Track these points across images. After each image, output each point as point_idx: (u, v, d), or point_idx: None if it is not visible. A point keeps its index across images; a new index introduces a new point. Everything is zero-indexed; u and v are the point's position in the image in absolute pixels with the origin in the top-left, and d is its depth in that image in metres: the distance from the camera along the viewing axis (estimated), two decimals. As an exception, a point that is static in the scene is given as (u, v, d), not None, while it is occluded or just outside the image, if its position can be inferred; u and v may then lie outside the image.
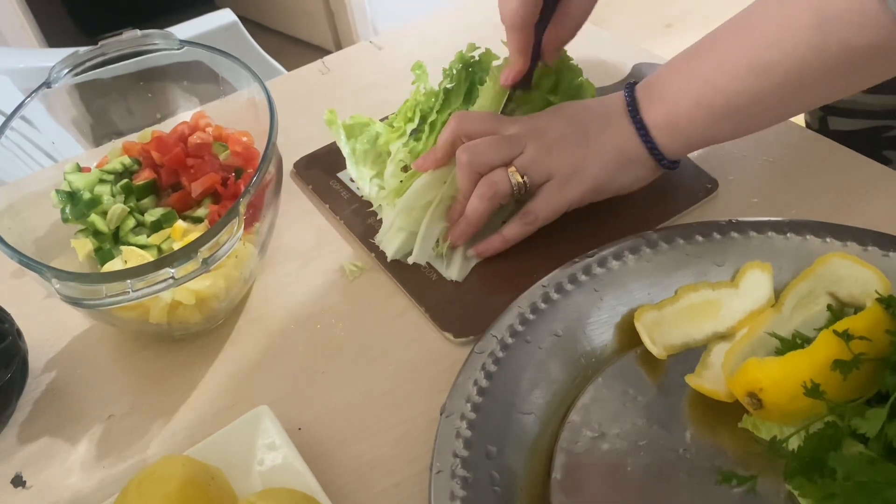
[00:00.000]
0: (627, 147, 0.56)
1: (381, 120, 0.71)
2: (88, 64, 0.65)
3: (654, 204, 0.62)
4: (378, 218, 0.64)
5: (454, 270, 0.58)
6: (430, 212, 0.59)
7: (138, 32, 0.65)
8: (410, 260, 0.60)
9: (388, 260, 0.60)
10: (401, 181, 0.63)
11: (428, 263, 0.60)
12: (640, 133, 0.55)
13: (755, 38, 0.49)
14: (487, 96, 0.62)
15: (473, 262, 0.59)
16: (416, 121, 0.67)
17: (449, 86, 0.67)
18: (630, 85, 0.57)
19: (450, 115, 0.64)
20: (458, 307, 0.56)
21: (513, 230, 0.58)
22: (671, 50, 0.58)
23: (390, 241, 0.60)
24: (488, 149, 0.56)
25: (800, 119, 0.84)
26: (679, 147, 0.56)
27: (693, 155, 0.66)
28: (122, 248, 0.58)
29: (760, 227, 0.54)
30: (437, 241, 0.60)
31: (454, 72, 0.67)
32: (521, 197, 0.58)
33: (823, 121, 0.81)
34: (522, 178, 0.55)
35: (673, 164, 0.58)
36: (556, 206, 0.57)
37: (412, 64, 0.71)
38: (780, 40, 0.48)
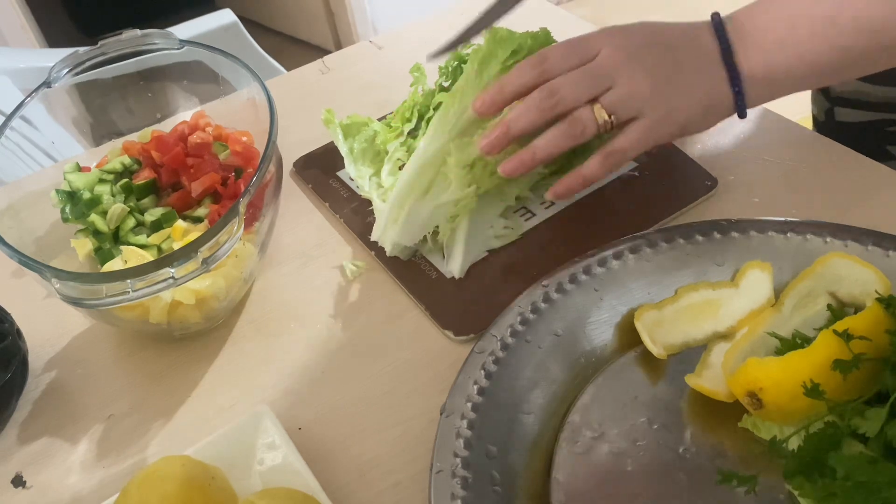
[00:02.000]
0: (717, 92, 0.53)
1: (380, 119, 0.71)
2: (88, 64, 0.65)
3: (654, 201, 0.62)
4: (373, 208, 0.64)
5: (455, 266, 0.58)
6: (420, 195, 0.58)
7: (138, 32, 0.65)
8: (395, 240, 0.59)
9: (388, 255, 0.60)
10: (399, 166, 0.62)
11: (427, 261, 0.60)
12: (732, 83, 0.52)
13: None
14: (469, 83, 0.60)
15: (474, 258, 0.59)
16: (414, 121, 0.67)
17: (445, 83, 0.67)
18: (717, 19, 0.53)
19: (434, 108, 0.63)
20: (457, 305, 0.56)
21: (594, 168, 0.53)
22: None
23: (386, 236, 0.60)
24: (574, 88, 0.51)
25: (803, 114, 0.83)
26: (763, 97, 0.54)
27: (693, 153, 0.66)
28: (122, 247, 0.58)
29: (761, 227, 0.54)
30: (436, 233, 0.59)
31: (450, 69, 0.67)
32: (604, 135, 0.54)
33: (830, 112, 0.81)
34: (610, 116, 0.51)
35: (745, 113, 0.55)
36: (644, 146, 0.53)
37: (412, 64, 0.71)
38: None
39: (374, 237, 0.60)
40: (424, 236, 0.60)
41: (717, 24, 0.53)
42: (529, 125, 0.52)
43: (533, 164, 0.53)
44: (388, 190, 0.62)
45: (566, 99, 0.51)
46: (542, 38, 0.61)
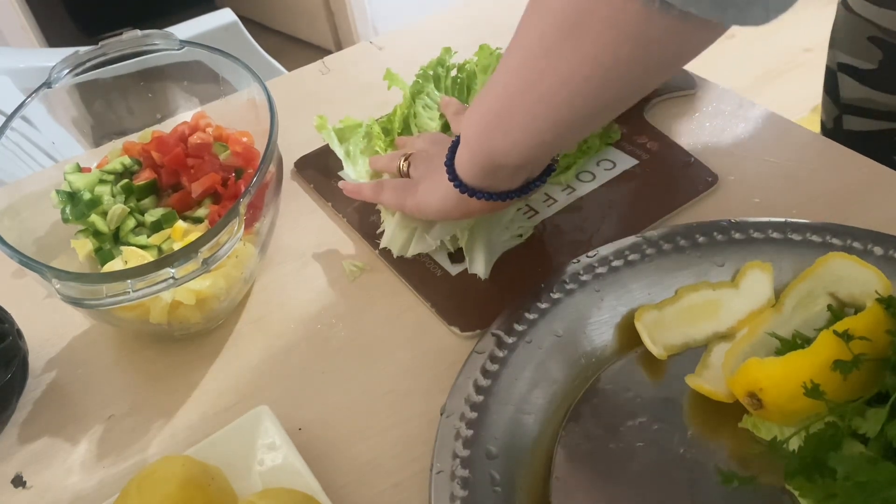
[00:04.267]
0: (443, 178, 0.53)
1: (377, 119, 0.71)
2: (88, 64, 0.65)
3: (656, 197, 0.62)
4: (380, 214, 0.64)
5: (479, 268, 0.58)
6: None
7: (138, 32, 0.65)
8: (409, 253, 0.59)
9: (395, 257, 0.60)
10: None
11: (432, 258, 0.60)
12: (450, 175, 0.52)
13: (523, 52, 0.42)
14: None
15: (496, 257, 0.59)
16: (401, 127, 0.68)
17: (429, 87, 0.68)
18: None
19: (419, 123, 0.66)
20: (463, 301, 0.57)
21: (366, 189, 0.60)
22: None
23: (395, 239, 0.60)
24: (404, 149, 0.62)
25: (802, 114, 0.84)
26: (484, 181, 0.51)
27: (693, 151, 0.66)
28: (123, 248, 0.58)
29: (761, 227, 0.54)
30: (455, 235, 0.59)
31: (429, 74, 0.68)
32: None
33: (839, 119, 0.81)
34: (406, 165, 0.59)
35: (495, 195, 0.51)
36: (393, 201, 0.58)
37: (412, 64, 0.71)
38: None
39: (383, 244, 0.60)
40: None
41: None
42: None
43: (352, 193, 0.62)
44: None
45: (402, 153, 0.60)
46: None
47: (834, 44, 0.81)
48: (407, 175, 0.58)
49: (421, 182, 0.56)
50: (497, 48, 0.69)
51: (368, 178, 0.66)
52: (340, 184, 0.62)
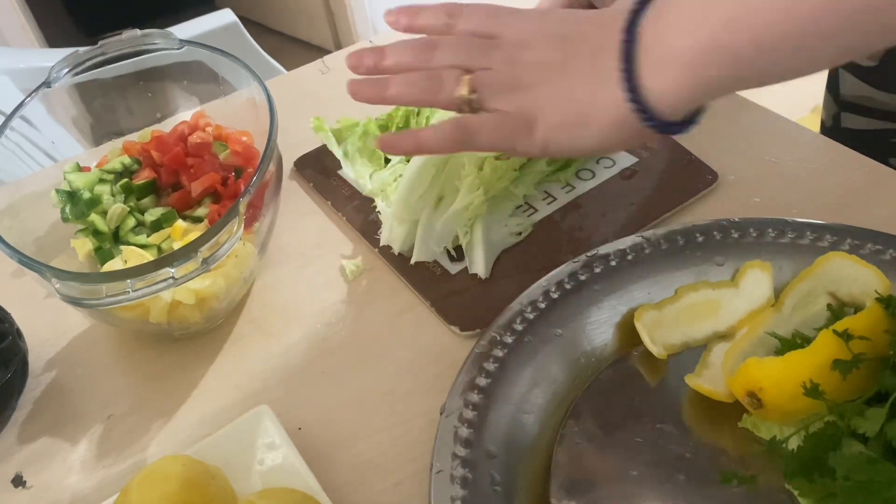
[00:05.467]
0: (600, 97, 0.41)
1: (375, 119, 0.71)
2: (88, 64, 0.65)
3: (654, 196, 0.62)
4: (379, 211, 0.64)
5: (479, 268, 0.58)
6: (428, 207, 0.59)
7: (138, 32, 0.65)
8: (413, 260, 0.59)
9: (397, 254, 0.60)
10: (399, 176, 0.63)
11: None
12: (624, 81, 0.39)
13: None
14: None
15: (495, 255, 0.59)
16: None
17: None
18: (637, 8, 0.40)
19: (427, 118, 0.64)
20: (462, 301, 0.57)
21: (435, 135, 0.45)
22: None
23: (394, 235, 0.60)
24: (453, 49, 0.45)
25: (802, 115, 0.83)
26: (676, 98, 0.39)
27: (693, 150, 0.66)
28: (122, 247, 0.58)
29: (761, 227, 0.54)
30: (456, 235, 0.59)
31: None
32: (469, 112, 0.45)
33: (837, 117, 0.81)
34: (472, 93, 0.43)
35: (665, 125, 0.40)
36: (495, 142, 0.44)
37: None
38: None
39: (383, 242, 0.60)
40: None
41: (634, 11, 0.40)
42: (396, 70, 0.46)
43: (378, 99, 0.47)
44: (391, 193, 0.62)
45: (441, 59, 0.45)
46: None
47: None
48: (473, 108, 0.44)
49: (540, 110, 0.42)
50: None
51: (370, 178, 0.66)
52: (383, 139, 0.48)
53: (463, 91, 0.43)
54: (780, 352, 0.45)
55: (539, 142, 0.43)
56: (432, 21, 0.47)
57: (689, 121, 0.41)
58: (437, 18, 0.47)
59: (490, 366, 0.48)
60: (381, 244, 0.61)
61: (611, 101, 0.40)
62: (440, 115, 0.61)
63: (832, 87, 0.81)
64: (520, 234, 0.61)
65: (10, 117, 0.61)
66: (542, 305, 0.51)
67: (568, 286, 0.52)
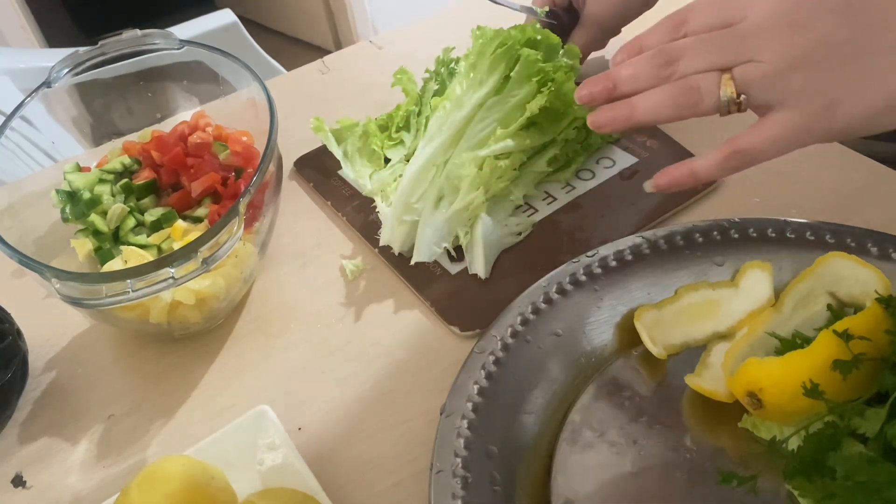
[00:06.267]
0: None
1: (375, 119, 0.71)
2: (88, 64, 0.65)
3: (654, 196, 0.62)
4: (378, 212, 0.64)
5: (479, 268, 0.58)
6: (428, 207, 0.59)
7: (138, 32, 0.65)
8: (413, 260, 0.59)
9: (397, 254, 0.60)
10: (399, 176, 0.63)
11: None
12: None
13: None
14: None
15: (495, 256, 0.59)
16: (412, 131, 0.68)
17: (436, 87, 0.68)
18: None
19: (427, 118, 0.64)
20: (462, 301, 0.57)
21: (710, 166, 0.42)
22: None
23: (394, 235, 0.60)
24: (700, 52, 0.40)
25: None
26: None
27: (693, 150, 0.66)
28: (122, 247, 0.58)
29: (761, 227, 0.54)
30: (456, 235, 0.59)
31: (437, 74, 0.68)
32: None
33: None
34: (739, 96, 0.39)
35: None
36: (784, 146, 0.40)
37: (412, 64, 0.71)
38: None
39: (383, 242, 0.60)
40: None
41: None
42: (636, 91, 0.42)
43: (627, 125, 0.42)
44: (391, 193, 0.62)
45: (686, 67, 0.40)
46: (530, 31, 0.61)
47: None
48: (742, 109, 0.40)
49: (836, 100, 0.37)
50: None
51: (370, 178, 0.66)
52: (661, 179, 0.45)
53: (729, 92, 0.39)
54: (780, 352, 0.45)
55: (839, 130, 0.39)
56: (663, 38, 0.42)
57: None
58: (664, 33, 0.42)
59: (490, 366, 0.48)
60: (381, 244, 0.61)
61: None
62: (439, 114, 0.61)
63: None
64: (520, 234, 0.61)
65: (10, 117, 0.61)
66: (542, 305, 0.51)
67: (568, 286, 0.52)
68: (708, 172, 0.42)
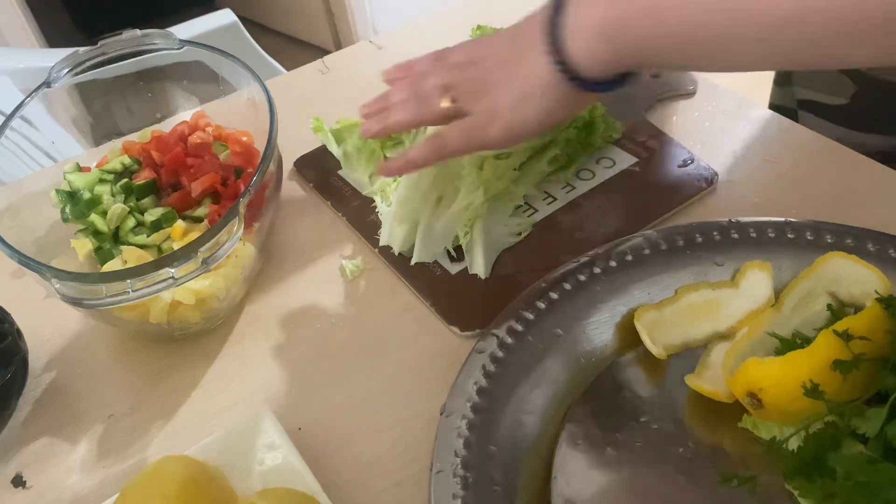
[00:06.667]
0: (532, 72, 0.45)
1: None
2: (88, 64, 0.65)
3: (654, 196, 0.62)
4: (378, 212, 0.64)
5: (479, 268, 0.58)
6: (429, 207, 0.59)
7: (138, 32, 0.65)
8: (413, 261, 0.59)
9: (397, 254, 0.60)
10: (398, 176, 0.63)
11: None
12: (552, 54, 0.43)
13: None
14: None
15: (496, 256, 0.59)
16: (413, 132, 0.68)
17: None
18: None
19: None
20: (462, 301, 0.57)
21: (417, 151, 0.51)
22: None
23: (394, 235, 0.60)
24: (436, 72, 0.50)
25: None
26: (613, 62, 0.43)
27: (693, 150, 0.66)
28: (122, 247, 0.58)
29: (761, 227, 0.54)
30: (457, 235, 0.59)
31: None
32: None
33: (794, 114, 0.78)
34: (453, 103, 0.49)
35: (590, 84, 0.44)
36: (468, 144, 0.49)
37: (412, 64, 0.71)
38: None
39: (382, 242, 0.60)
40: None
41: None
42: (404, 113, 0.51)
43: (385, 131, 0.52)
44: (391, 193, 0.62)
45: (429, 82, 0.50)
46: None
47: (793, 79, 0.75)
48: (455, 115, 0.49)
49: (496, 101, 0.46)
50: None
51: (369, 178, 0.66)
52: (381, 166, 0.53)
53: (446, 103, 0.49)
54: (780, 352, 0.45)
55: (498, 131, 0.47)
56: (425, 67, 0.52)
57: (617, 81, 0.44)
58: (428, 62, 0.52)
59: (490, 366, 0.48)
60: (381, 244, 0.61)
61: (543, 68, 0.44)
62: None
63: None
64: (520, 234, 0.61)
65: (10, 117, 0.61)
66: (542, 305, 0.51)
67: (568, 286, 0.52)
68: (416, 155, 0.51)
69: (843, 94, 0.71)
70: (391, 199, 0.60)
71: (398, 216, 0.59)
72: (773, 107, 0.79)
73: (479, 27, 0.69)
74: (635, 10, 0.40)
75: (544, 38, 0.43)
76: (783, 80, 0.79)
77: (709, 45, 0.39)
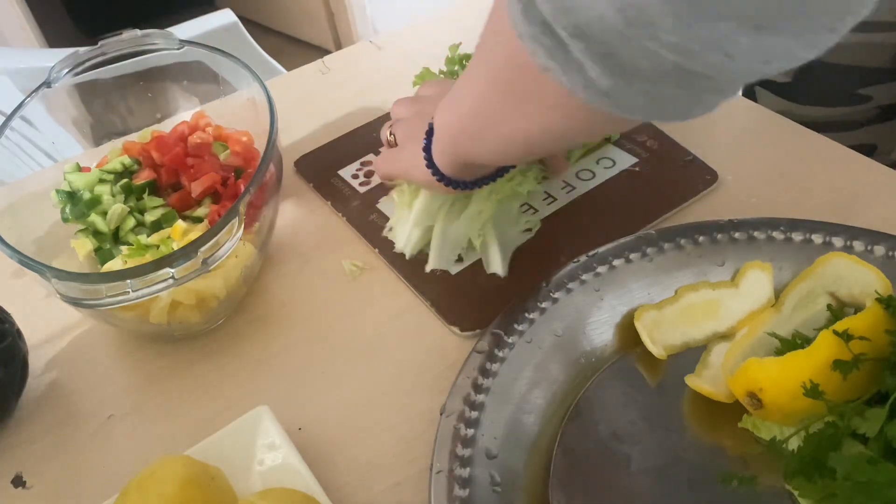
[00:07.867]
0: (419, 161, 0.53)
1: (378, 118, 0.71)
2: (88, 64, 0.65)
3: (656, 195, 0.62)
4: (379, 212, 0.64)
5: (497, 267, 0.58)
6: (444, 215, 0.58)
7: (138, 32, 0.65)
8: (428, 268, 0.59)
9: (407, 258, 0.60)
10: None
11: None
12: (426, 155, 0.52)
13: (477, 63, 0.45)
14: None
15: (510, 253, 0.59)
16: None
17: None
18: None
19: None
20: (462, 301, 0.57)
21: (376, 165, 0.61)
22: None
23: (408, 240, 0.60)
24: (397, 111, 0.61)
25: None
26: (451, 170, 0.52)
27: (693, 150, 0.66)
28: (122, 247, 0.58)
29: (761, 227, 0.54)
30: (469, 239, 0.59)
31: (452, 74, 0.67)
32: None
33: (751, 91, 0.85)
34: (391, 135, 0.58)
35: (455, 184, 0.53)
36: (384, 171, 0.59)
37: (412, 64, 0.71)
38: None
39: (398, 248, 0.60)
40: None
41: None
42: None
43: (381, 175, 0.62)
44: (406, 191, 0.61)
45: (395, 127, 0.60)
46: None
47: None
48: (395, 144, 0.58)
49: (403, 149, 0.56)
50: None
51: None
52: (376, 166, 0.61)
53: (388, 135, 0.59)
54: (780, 352, 0.45)
55: (400, 170, 0.57)
56: (384, 129, 0.61)
57: (480, 181, 0.54)
58: (408, 104, 0.60)
59: (490, 366, 0.48)
60: (396, 250, 0.60)
61: (422, 163, 0.52)
62: None
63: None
64: (530, 230, 0.61)
65: (10, 117, 0.61)
66: (543, 305, 0.51)
67: (568, 286, 0.52)
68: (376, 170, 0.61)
69: (787, 73, 0.78)
70: (414, 205, 0.59)
71: (419, 223, 0.59)
72: None
73: (421, 72, 0.68)
74: (454, 151, 0.50)
75: (423, 146, 0.52)
76: None
77: (508, 156, 0.48)
